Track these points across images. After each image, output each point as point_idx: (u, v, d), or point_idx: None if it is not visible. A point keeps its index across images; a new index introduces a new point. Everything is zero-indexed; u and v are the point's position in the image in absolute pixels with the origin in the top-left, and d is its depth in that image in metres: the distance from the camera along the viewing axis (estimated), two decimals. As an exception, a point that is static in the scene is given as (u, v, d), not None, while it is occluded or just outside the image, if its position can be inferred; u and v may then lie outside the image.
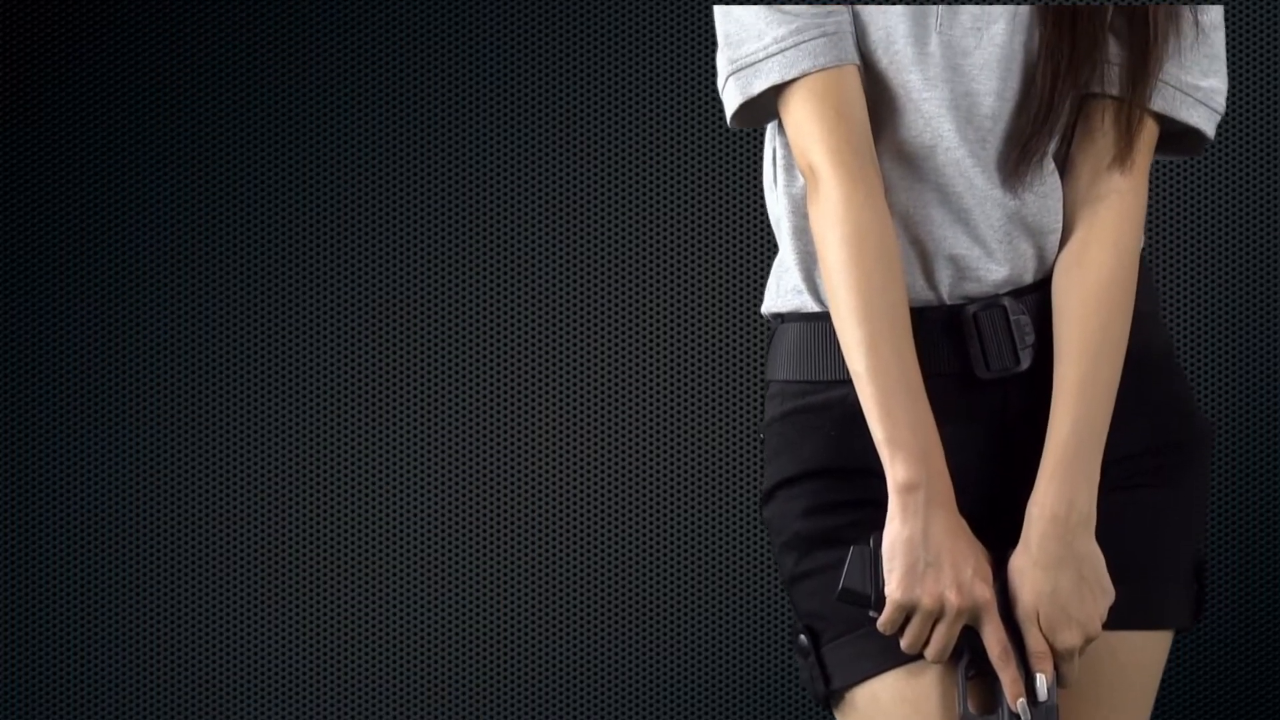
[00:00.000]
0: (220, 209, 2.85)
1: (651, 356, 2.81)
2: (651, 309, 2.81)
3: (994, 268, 1.56)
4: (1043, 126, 1.55)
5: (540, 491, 2.82)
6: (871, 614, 1.49)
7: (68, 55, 2.85)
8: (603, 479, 2.81)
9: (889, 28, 1.56)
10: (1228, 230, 2.75)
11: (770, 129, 1.63)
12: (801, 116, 1.54)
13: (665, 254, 2.81)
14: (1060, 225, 1.58)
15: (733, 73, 1.57)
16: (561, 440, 2.81)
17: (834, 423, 1.56)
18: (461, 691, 2.83)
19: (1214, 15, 1.60)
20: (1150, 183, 1.61)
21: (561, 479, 2.81)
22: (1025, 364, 1.55)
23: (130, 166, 2.85)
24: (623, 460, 2.81)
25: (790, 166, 1.60)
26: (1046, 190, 1.57)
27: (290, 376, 2.85)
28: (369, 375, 2.84)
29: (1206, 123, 1.59)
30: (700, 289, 2.79)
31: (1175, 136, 1.61)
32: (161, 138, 2.85)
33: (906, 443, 1.49)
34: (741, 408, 2.78)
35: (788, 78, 1.54)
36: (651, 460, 2.80)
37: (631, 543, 2.81)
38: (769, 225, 1.58)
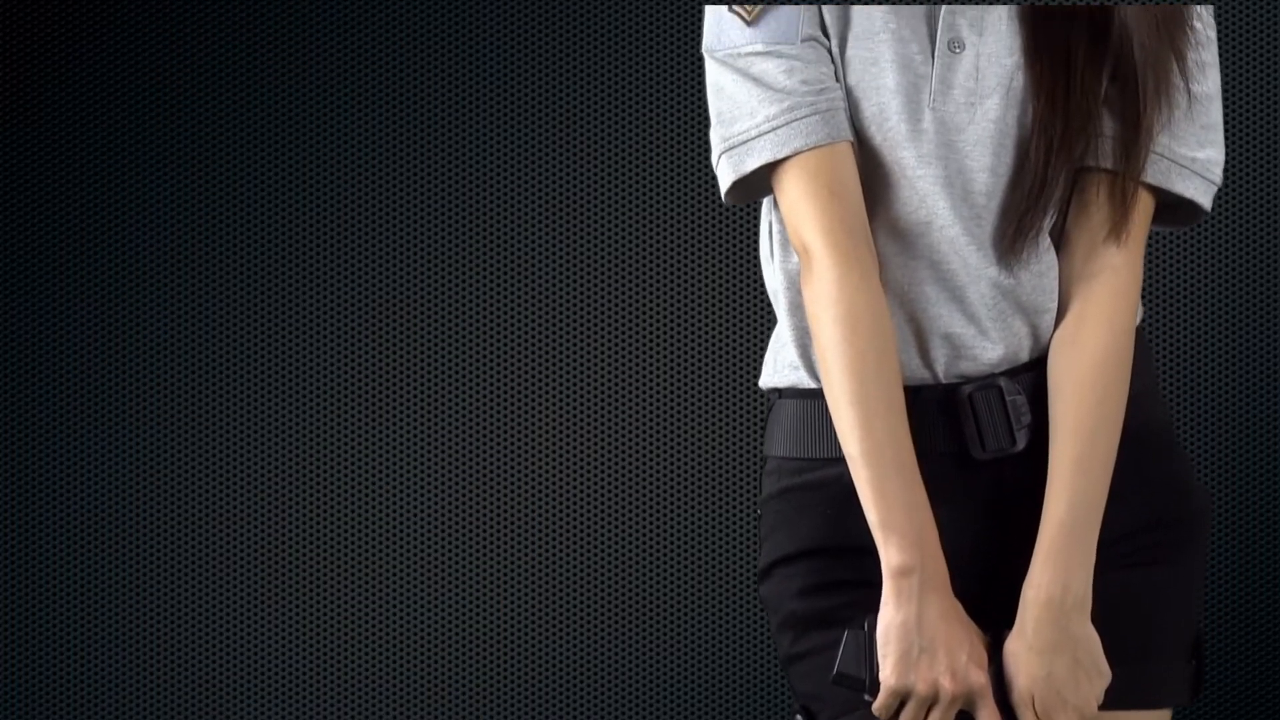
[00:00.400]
0: (220, 209, 2.85)
1: (650, 359, 2.81)
2: (650, 311, 2.81)
3: (989, 346, 1.56)
4: (1037, 202, 1.54)
5: (539, 493, 2.82)
6: (866, 698, 1.49)
7: (68, 55, 2.84)
8: (601, 480, 2.81)
9: (882, 104, 1.55)
10: (1227, 300, 2.74)
11: (766, 203, 1.62)
12: (795, 195, 1.53)
13: (664, 257, 2.81)
14: (1055, 303, 1.57)
15: (725, 151, 1.56)
16: (561, 441, 2.81)
17: (830, 501, 1.56)
18: (461, 691, 2.83)
19: (1210, 84, 1.59)
20: (1147, 250, 1.60)
21: (561, 480, 2.81)
22: (1021, 445, 1.54)
23: (130, 166, 2.85)
24: (621, 462, 2.81)
25: (786, 242, 1.59)
26: (1042, 268, 1.56)
27: (290, 376, 2.84)
28: (369, 376, 2.84)
29: (1202, 194, 1.58)
30: (701, 291, 2.79)
31: (1170, 208, 1.60)
32: (161, 138, 2.85)
33: (901, 526, 1.48)
34: (740, 410, 2.78)
35: (780, 156, 1.53)
36: (649, 462, 2.80)
37: (630, 544, 2.81)
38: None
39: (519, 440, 2.82)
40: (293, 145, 2.84)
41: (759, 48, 1.54)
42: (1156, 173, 1.56)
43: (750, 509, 2.78)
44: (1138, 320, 1.58)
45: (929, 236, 1.55)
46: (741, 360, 2.80)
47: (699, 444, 2.80)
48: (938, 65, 1.55)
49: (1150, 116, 1.54)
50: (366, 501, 2.84)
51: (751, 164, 1.54)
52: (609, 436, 2.81)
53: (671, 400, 2.80)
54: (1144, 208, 1.56)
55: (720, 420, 2.80)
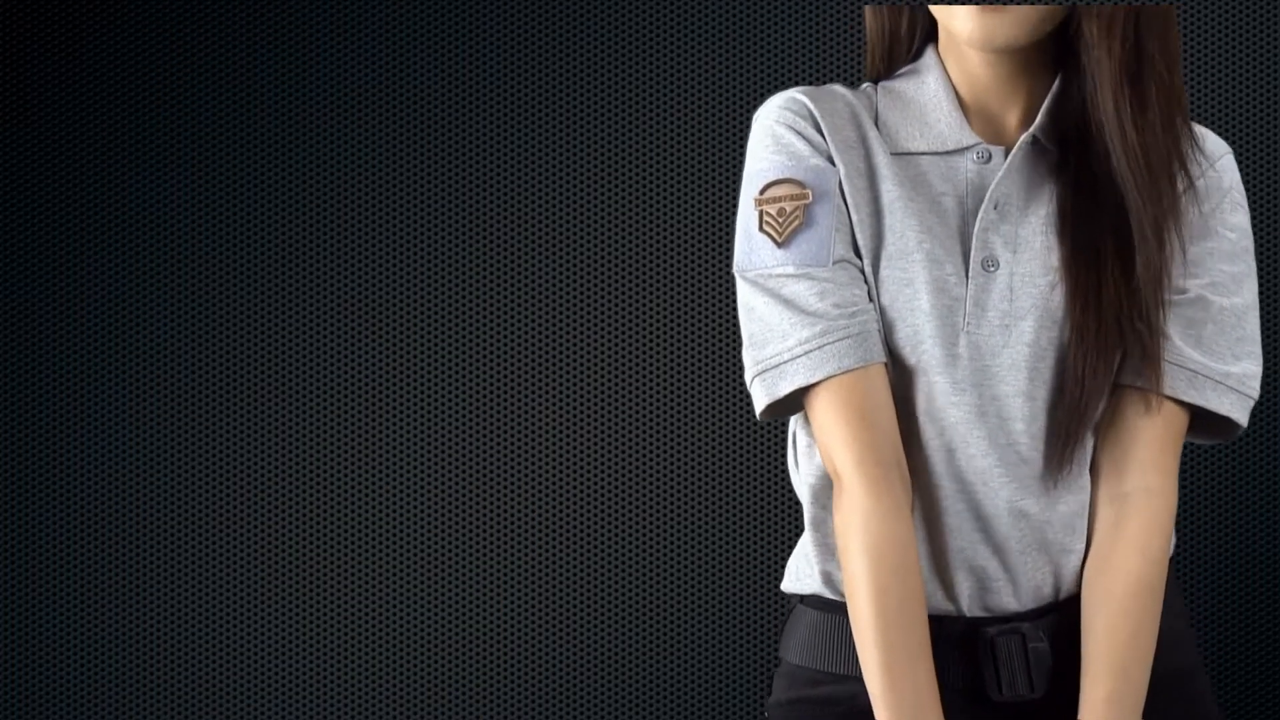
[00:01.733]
0: (220, 209, 2.85)
1: (651, 357, 2.81)
2: (652, 310, 2.81)
3: (1014, 584, 1.54)
4: (1078, 425, 1.51)
5: (540, 492, 2.82)
6: None
7: (68, 55, 2.84)
8: (602, 480, 2.81)
9: (916, 326, 1.52)
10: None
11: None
12: (827, 420, 1.51)
13: (666, 255, 2.81)
14: (1082, 545, 1.55)
15: (758, 374, 1.55)
16: (561, 441, 2.81)
17: (840, 718, 1.56)
18: (462, 691, 2.83)
19: (1247, 295, 1.56)
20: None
21: (561, 480, 2.82)
22: (1040, 692, 1.53)
23: (130, 166, 2.85)
24: (622, 461, 2.81)
25: (811, 454, 1.58)
26: (1074, 507, 1.54)
27: (290, 376, 2.85)
28: (369, 375, 2.84)
29: (1238, 411, 1.55)
30: (702, 290, 2.79)
31: (1206, 423, 1.57)
32: (161, 138, 2.85)
33: None
34: (742, 410, 2.78)
35: (813, 380, 1.51)
36: (651, 461, 2.80)
37: (631, 544, 2.81)
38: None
39: (520, 433, 2.82)
40: (293, 145, 2.84)
41: (790, 270, 1.53)
42: (1189, 388, 1.53)
43: (751, 509, 2.78)
44: (1170, 550, 1.56)
45: (959, 464, 1.53)
46: (738, 358, 2.80)
47: (700, 443, 2.80)
48: (972, 286, 1.53)
49: (1157, 328, 1.52)
50: (367, 501, 2.84)
51: (785, 388, 1.53)
52: (610, 436, 2.81)
53: (672, 400, 2.80)
54: (1178, 425, 1.54)
55: (721, 420, 2.80)
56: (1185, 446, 1.58)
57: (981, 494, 1.53)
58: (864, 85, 1.63)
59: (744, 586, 2.80)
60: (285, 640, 2.85)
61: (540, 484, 2.82)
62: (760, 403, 1.55)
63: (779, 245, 1.53)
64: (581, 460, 2.82)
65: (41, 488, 2.86)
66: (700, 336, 2.80)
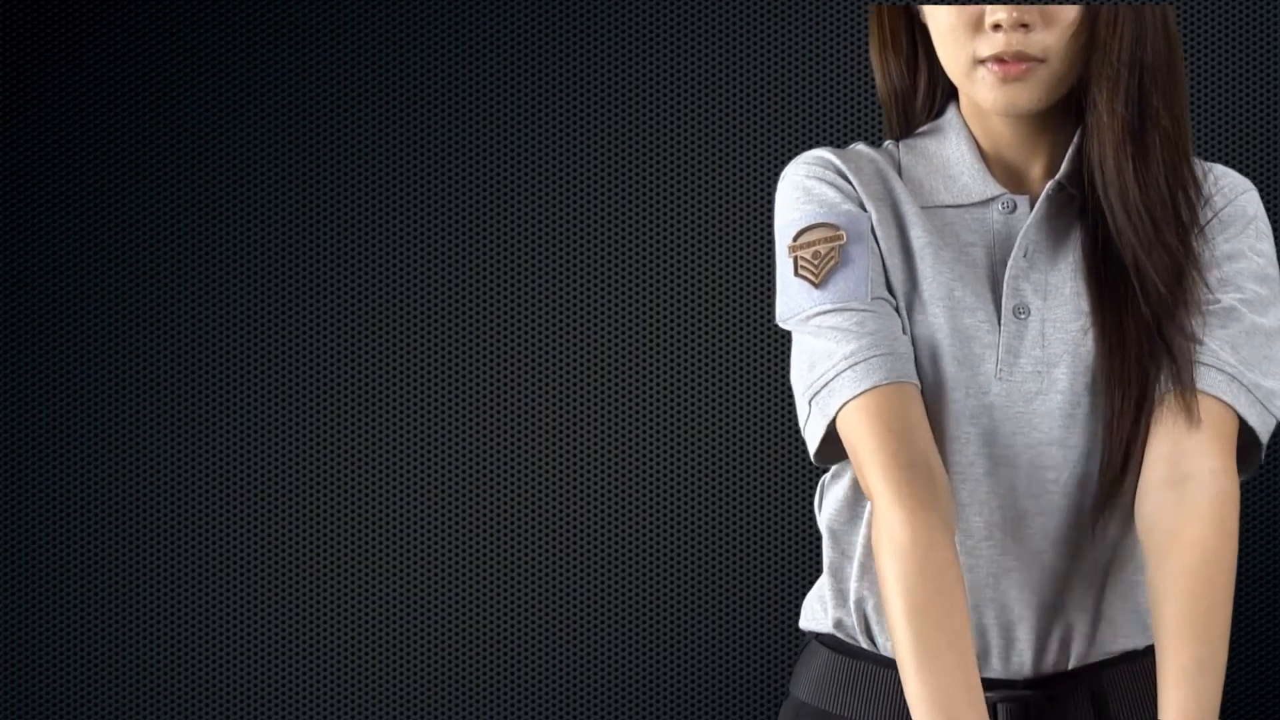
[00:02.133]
0: (220, 209, 2.85)
1: (653, 357, 2.81)
2: (654, 310, 2.81)
3: (1020, 648, 1.52)
4: (1120, 474, 1.49)
5: (541, 492, 2.82)
6: None
7: (68, 55, 2.84)
8: (604, 480, 2.81)
9: (949, 372, 1.52)
10: None
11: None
12: (856, 435, 1.49)
13: (668, 255, 2.81)
14: (1098, 613, 1.52)
15: (812, 397, 1.53)
16: (562, 441, 2.81)
17: None
18: (462, 691, 2.83)
19: (1274, 320, 1.53)
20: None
21: (562, 480, 2.81)
22: None
23: (130, 166, 2.85)
24: (624, 463, 2.81)
25: (833, 489, 1.59)
26: (1096, 563, 1.51)
27: (290, 376, 2.84)
28: (370, 374, 2.84)
29: (1263, 427, 1.52)
30: (703, 290, 2.79)
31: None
32: (161, 138, 2.85)
33: None
34: (744, 410, 2.78)
35: (860, 390, 1.49)
36: (653, 461, 2.80)
37: (632, 544, 2.81)
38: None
39: (521, 432, 2.82)
40: (293, 145, 2.84)
41: (828, 306, 1.53)
42: (1227, 389, 1.50)
43: (750, 509, 2.78)
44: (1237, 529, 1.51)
45: (987, 516, 1.52)
46: (742, 360, 2.80)
47: (702, 444, 2.80)
48: (1005, 334, 1.53)
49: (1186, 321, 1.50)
50: (367, 501, 2.84)
51: (835, 404, 1.51)
52: (611, 437, 2.81)
53: (674, 400, 2.80)
54: (1227, 421, 1.49)
55: (721, 419, 2.80)
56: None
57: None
58: (886, 144, 1.65)
59: (743, 586, 2.80)
60: (285, 640, 2.85)
61: (541, 483, 2.82)
62: (816, 432, 1.53)
63: (816, 286, 1.53)
64: (583, 461, 2.82)
65: (41, 488, 2.86)
66: (702, 336, 2.80)
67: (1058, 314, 1.53)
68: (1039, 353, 1.52)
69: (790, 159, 1.62)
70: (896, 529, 1.45)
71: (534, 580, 2.83)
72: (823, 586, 1.61)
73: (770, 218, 1.63)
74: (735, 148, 2.78)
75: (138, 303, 2.85)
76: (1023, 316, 1.53)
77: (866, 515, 1.57)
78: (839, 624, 1.59)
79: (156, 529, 2.85)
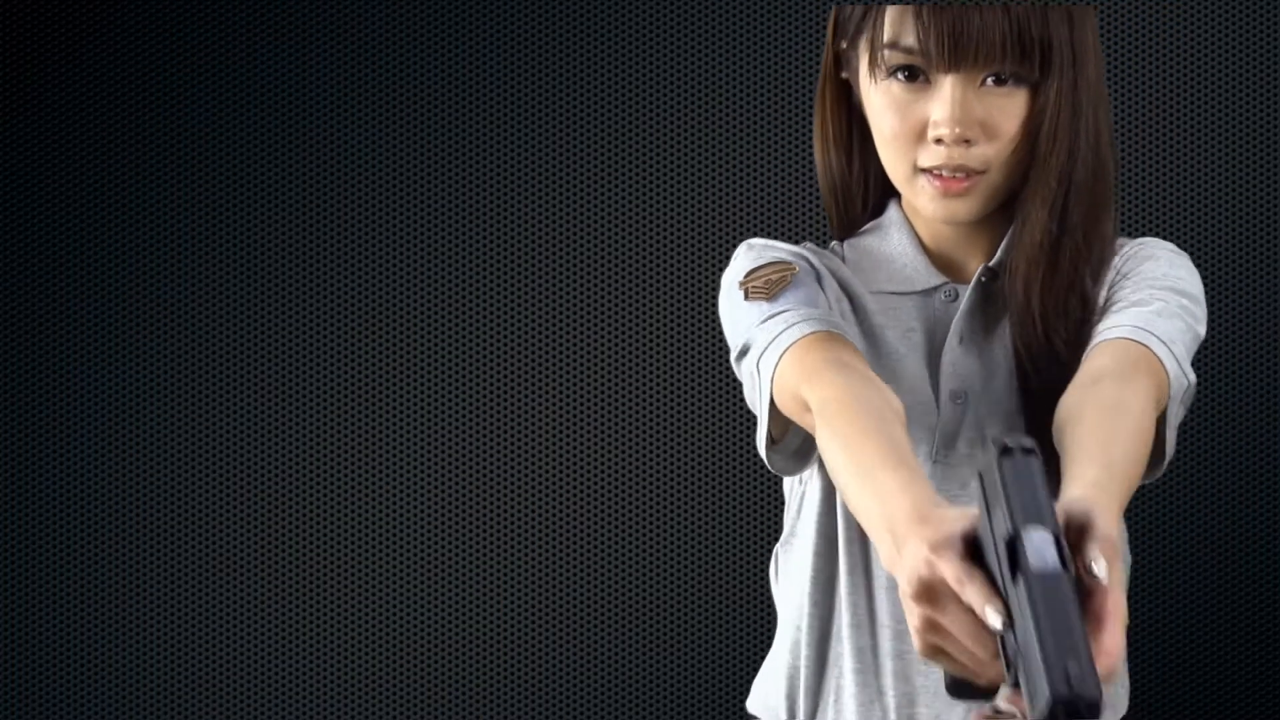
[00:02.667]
0: (220, 209, 2.85)
1: (651, 360, 2.81)
2: (651, 313, 2.81)
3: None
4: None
5: (539, 493, 2.82)
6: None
7: (68, 55, 2.85)
8: (601, 481, 2.81)
9: None
10: (1227, 300, 2.73)
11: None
12: (793, 374, 1.46)
13: (667, 257, 2.81)
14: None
15: (757, 360, 1.51)
16: (561, 442, 2.82)
17: None
18: (460, 691, 2.83)
19: (1183, 317, 1.50)
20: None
21: (560, 481, 2.82)
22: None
23: (130, 166, 2.85)
24: (622, 464, 2.81)
25: (779, 573, 1.62)
26: None
27: (290, 376, 2.85)
28: (369, 375, 2.84)
29: (1176, 371, 1.45)
30: (702, 291, 2.80)
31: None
32: (161, 137, 2.85)
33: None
34: (742, 413, 2.78)
35: (799, 336, 1.47)
36: (650, 463, 2.81)
37: (630, 546, 2.81)
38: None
39: (521, 432, 2.82)
40: (293, 145, 2.84)
41: (780, 309, 1.52)
42: (1136, 331, 1.45)
43: (748, 510, 2.78)
44: (1125, 573, 1.48)
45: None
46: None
47: (699, 445, 2.80)
48: (941, 418, 1.55)
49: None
50: (367, 501, 2.84)
51: (773, 358, 1.48)
52: (610, 438, 2.81)
53: (671, 401, 2.81)
54: (1131, 347, 1.44)
55: (719, 422, 2.80)
56: (1179, 449, 1.55)
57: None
58: (831, 244, 1.67)
59: (742, 587, 2.80)
60: (285, 640, 2.85)
61: (539, 484, 2.82)
62: (765, 395, 1.49)
63: (768, 301, 1.53)
64: (581, 462, 2.82)
65: (41, 488, 2.86)
66: (701, 339, 2.80)
67: (995, 395, 1.56)
68: (973, 434, 1.55)
69: (790, 161, 1.64)
70: (829, 390, 1.40)
71: (532, 581, 2.83)
72: (773, 664, 1.64)
73: (770, 218, 1.64)
74: (735, 149, 2.78)
75: (138, 303, 2.85)
76: (959, 401, 1.56)
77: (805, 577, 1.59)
78: (780, 697, 1.62)
79: (156, 529, 2.86)
